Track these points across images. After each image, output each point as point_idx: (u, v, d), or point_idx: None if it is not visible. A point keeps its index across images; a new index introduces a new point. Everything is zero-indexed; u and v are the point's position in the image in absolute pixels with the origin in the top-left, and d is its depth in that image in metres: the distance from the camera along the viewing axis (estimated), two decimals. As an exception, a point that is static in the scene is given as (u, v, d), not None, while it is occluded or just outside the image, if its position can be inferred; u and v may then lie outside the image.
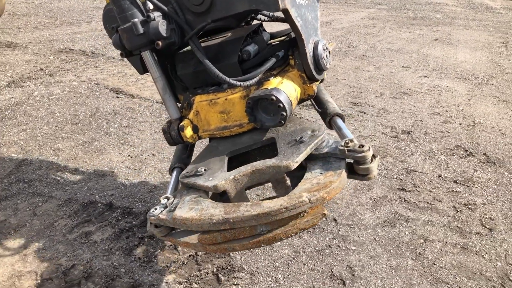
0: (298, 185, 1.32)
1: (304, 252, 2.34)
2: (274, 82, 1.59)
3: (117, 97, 4.44)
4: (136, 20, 1.49)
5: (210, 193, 1.52)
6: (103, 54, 6.06)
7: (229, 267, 2.20)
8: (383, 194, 2.94)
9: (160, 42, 1.53)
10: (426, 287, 2.15)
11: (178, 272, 2.16)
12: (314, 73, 1.69)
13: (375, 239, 2.48)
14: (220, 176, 1.48)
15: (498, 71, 6.80)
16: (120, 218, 2.55)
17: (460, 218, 2.72)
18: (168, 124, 1.72)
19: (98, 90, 4.62)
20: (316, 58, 1.69)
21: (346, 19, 10.85)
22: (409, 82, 5.74)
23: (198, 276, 2.14)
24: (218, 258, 2.27)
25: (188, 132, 1.66)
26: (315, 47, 1.70)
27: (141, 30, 1.50)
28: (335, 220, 2.63)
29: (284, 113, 1.54)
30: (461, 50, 8.24)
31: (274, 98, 1.50)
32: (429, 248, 2.43)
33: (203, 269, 2.18)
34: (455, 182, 3.16)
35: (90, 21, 8.76)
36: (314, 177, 1.36)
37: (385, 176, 3.19)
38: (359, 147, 1.36)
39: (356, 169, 1.40)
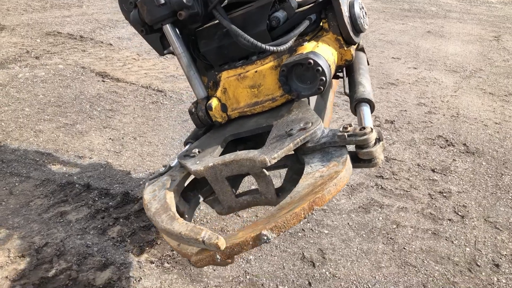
0: (300, 182, 1.23)
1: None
2: (308, 47, 1.47)
3: (103, 81, 4.42)
4: None
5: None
6: (91, 38, 6.02)
7: (201, 248, 2.23)
8: (361, 181, 2.98)
9: (182, 12, 1.44)
10: (394, 270, 2.19)
11: (151, 252, 2.19)
12: (351, 34, 1.54)
13: (348, 223, 2.52)
14: (205, 161, 1.45)
15: (487, 64, 6.83)
16: (96, 199, 2.56)
17: (434, 205, 2.76)
18: (195, 104, 1.62)
19: (83, 73, 4.59)
20: (353, 17, 1.55)
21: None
22: (398, 73, 5.76)
23: (170, 256, 2.17)
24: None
25: (217, 110, 1.56)
26: (351, 6, 1.56)
27: (162, 0, 1.42)
28: (310, 205, 2.66)
29: (324, 78, 1.41)
30: (452, 42, 8.25)
31: (311, 61, 1.38)
32: (400, 233, 2.47)
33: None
34: (433, 171, 3.20)
35: (81, 5, 8.67)
36: (315, 170, 1.26)
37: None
38: (360, 129, 1.27)
39: (360, 155, 1.28)
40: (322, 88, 1.42)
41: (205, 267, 2.10)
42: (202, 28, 1.65)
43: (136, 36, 6.18)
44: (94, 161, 2.97)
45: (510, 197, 2.94)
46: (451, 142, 3.71)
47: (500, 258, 2.33)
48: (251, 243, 1.07)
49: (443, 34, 8.92)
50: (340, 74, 1.85)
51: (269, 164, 1.28)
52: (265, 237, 1.07)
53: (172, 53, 1.68)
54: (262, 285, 2.04)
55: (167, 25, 1.50)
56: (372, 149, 1.24)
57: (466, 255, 2.34)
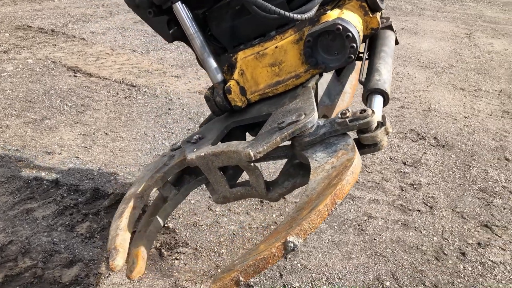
0: (311, 178, 1.14)
1: (250, 228, 2.38)
2: (333, 15, 1.38)
3: (74, 75, 4.32)
4: None
5: None
6: (63, 33, 5.87)
7: (173, 243, 2.21)
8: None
9: None
10: (364, 260, 2.22)
11: (120, 247, 2.15)
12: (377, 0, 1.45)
13: (320, 216, 2.54)
14: (201, 150, 1.42)
15: (459, 60, 7.00)
16: (65, 195, 2.50)
17: (405, 197, 2.81)
18: (211, 90, 1.52)
19: (54, 68, 4.48)
20: None
21: (317, 6, 10.93)
22: (372, 69, 5.85)
23: (140, 251, 2.14)
24: (163, 234, 2.27)
25: (236, 94, 1.46)
26: None
27: None
28: (283, 197, 2.67)
29: (354, 45, 1.31)
30: (426, 39, 8.42)
31: (340, 27, 1.29)
32: (371, 225, 2.51)
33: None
34: (404, 163, 3.26)
35: (53, -1, 8.44)
36: (324, 163, 1.17)
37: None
38: (361, 112, 1.20)
39: (363, 141, 1.23)
40: (352, 56, 1.33)
41: (176, 261, 2.09)
42: (212, 9, 1.55)
43: (110, 31, 6.07)
44: (63, 157, 2.90)
45: (477, 188, 3.03)
46: (422, 136, 3.79)
47: (466, 247, 2.40)
48: (276, 254, 0.97)
49: (417, 31, 9.09)
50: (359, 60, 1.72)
51: (254, 158, 1.24)
52: (292, 244, 0.97)
53: (181, 39, 1.59)
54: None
55: (178, 3, 1.41)
56: (375, 132, 1.19)
57: (434, 244, 2.40)
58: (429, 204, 2.76)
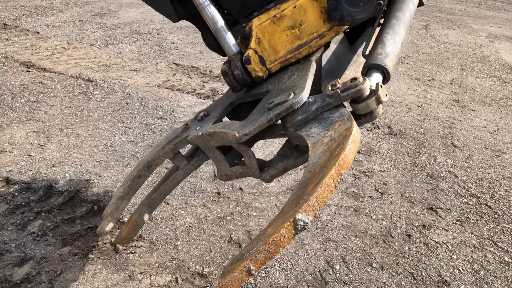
0: (311, 154, 1.10)
1: (206, 219, 2.42)
2: None
3: (28, 71, 4.19)
4: None
5: None
6: (16, 26, 5.65)
7: (128, 237, 2.22)
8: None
9: None
10: (316, 246, 2.31)
11: (74, 244, 2.14)
12: None
13: (276, 205, 2.61)
14: (201, 129, 1.41)
15: (415, 51, 7.26)
16: (16, 194, 2.45)
17: (357, 184, 2.93)
18: (227, 64, 1.43)
19: (6, 63, 4.32)
20: None
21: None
22: (332, 60, 5.97)
23: (95, 247, 2.14)
24: (118, 229, 2.27)
25: (256, 63, 1.37)
26: None
27: None
28: (241, 189, 2.73)
29: None
30: (385, 31, 8.67)
31: None
32: (324, 212, 2.61)
33: (101, 239, 2.18)
34: (358, 152, 3.38)
35: (6, -10, 8.07)
36: (322, 137, 1.14)
37: (295, 148, 3.34)
38: (351, 81, 1.16)
39: (357, 111, 1.19)
40: (382, 3, 1.26)
41: (131, 255, 2.10)
42: None
43: (66, 24, 5.90)
44: (15, 155, 2.83)
45: (425, 173, 3.19)
46: (377, 125, 3.94)
47: (412, 229, 2.54)
48: (287, 235, 0.91)
49: (377, 23, 9.34)
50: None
51: (240, 140, 1.22)
52: (301, 222, 0.92)
53: (187, 18, 1.51)
54: (189, 268, 2.07)
55: None
56: (369, 100, 1.15)
57: (383, 228, 2.52)
58: (380, 190, 2.89)
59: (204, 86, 4.30)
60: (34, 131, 3.13)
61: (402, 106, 4.52)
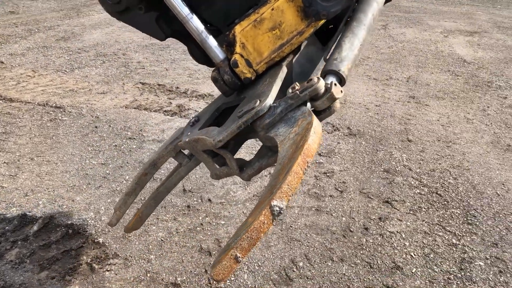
0: (280, 151, 1.22)
1: (177, 232, 2.57)
2: None
3: (-6, 102, 4.24)
4: None
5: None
6: (-21, 58, 5.67)
7: (103, 256, 2.35)
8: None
9: None
10: (281, 246, 2.50)
11: (51, 268, 2.26)
12: None
13: (243, 212, 2.79)
14: (189, 135, 1.53)
15: (374, 52, 7.59)
16: (-8, 225, 2.55)
17: (319, 185, 3.14)
18: (216, 70, 1.50)
19: (-28, 97, 4.36)
20: None
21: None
22: (295, 67, 6.22)
23: (72, 268, 2.26)
24: (93, 249, 2.40)
25: (243, 66, 1.46)
26: None
27: None
28: (209, 200, 2.89)
29: None
30: (345, 34, 9.01)
31: None
32: (289, 214, 2.80)
33: (77, 261, 2.31)
34: (320, 154, 3.60)
35: (-34, 21, 8.02)
36: (288, 134, 1.25)
37: (260, 156, 3.53)
38: (307, 82, 1.28)
39: (316, 108, 1.31)
40: None
41: (107, 273, 2.23)
42: None
43: (30, 51, 5.95)
44: (-12, 187, 2.92)
45: (382, 169, 3.43)
46: (337, 127, 4.17)
47: (369, 222, 2.76)
48: (265, 221, 1.00)
49: (338, 26, 9.69)
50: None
51: (217, 146, 1.34)
52: (277, 208, 1.01)
53: (173, 35, 1.61)
54: (162, 279, 2.22)
55: None
56: (325, 97, 1.26)
57: (342, 224, 2.73)
58: (340, 189, 3.10)
59: (171, 103, 4.45)
60: (4, 162, 3.21)
61: (361, 106, 4.78)
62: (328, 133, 4.04)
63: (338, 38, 1.51)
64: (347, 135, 4.02)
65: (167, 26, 1.57)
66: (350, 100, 4.97)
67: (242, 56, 1.45)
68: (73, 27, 7.58)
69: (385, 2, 1.58)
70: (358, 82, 5.71)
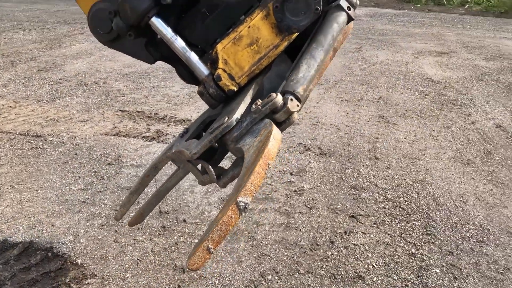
0: (245, 158, 1.37)
1: (153, 252, 2.70)
2: None
3: (-25, 133, 4.35)
4: None
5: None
6: (-39, 89, 5.78)
7: (81, 276, 2.47)
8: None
9: None
10: (252, 261, 2.65)
11: (31, 290, 2.37)
12: None
13: (216, 231, 2.94)
14: (176, 146, 1.70)
15: (347, 74, 7.93)
16: (-27, 251, 2.64)
17: (289, 203, 3.32)
18: (202, 85, 1.63)
19: (-47, 128, 4.46)
20: None
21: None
22: (271, 91, 6.48)
23: (51, 290, 2.37)
24: (72, 270, 2.52)
25: (226, 79, 1.60)
26: None
27: None
28: (184, 220, 3.04)
29: None
30: (321, 57, 9.38)
31: None
32: (259, 231, 2.96)
33: (56, 282, 2.42)
34: (291, 174, 3.80)
35: None
36: (252, 143, 1.41)
37: (234, 177, 3.71)
38: (267, 97, 1.44)
39: (277, 120, 1.46)
40: (319, 8, 1.52)
41: (85, 293, 2.35)
42: (182, 20, 1.69)
43: (12, 83, 6.08)
44: (-31, 216, 3.01)
45: (349, 186, 3.64)
46: (308, 147, 4.39)
47: (335, 236, 2.94)
48: (233, 216, 1.15)
49: (314, 50, 10.08)
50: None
51: (193, 158, 1.51)
52: (243, 203, 1.17)
53: (161, 59, 1.76)
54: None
55: (153, 17, 1.55)
56: (282, 110, 1.43)
57: (310, 238, 2.90)
58: (309, 206, 3.29)
59: (149, 129, 4.62)
60: (-14, 191, 3.32)
61: (332, 127, 5.03)
62: (300, 153, 4.25)
63: (297, 58, 1.66)
64: (318, 155, 4.23)
65: (155, 50, 1.72)
66: (322, 121, 5.22)
67: (224, 71, 1.59)
68: (55, 58, 7.76)
69: (348, 22, 1.71)
70: (331, 104, 5.99)
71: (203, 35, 1.65)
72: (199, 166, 1.73)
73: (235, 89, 1.63)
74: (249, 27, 1.56)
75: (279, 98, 1.43)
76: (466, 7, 32.01)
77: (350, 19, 1.67)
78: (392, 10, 28.61)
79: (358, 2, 1.69)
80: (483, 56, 10.84)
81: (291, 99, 1.48)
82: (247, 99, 1.61)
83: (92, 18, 1.61)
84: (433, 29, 17.10)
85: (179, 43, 1.57)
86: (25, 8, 15.53)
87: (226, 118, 1.50)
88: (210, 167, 1.67)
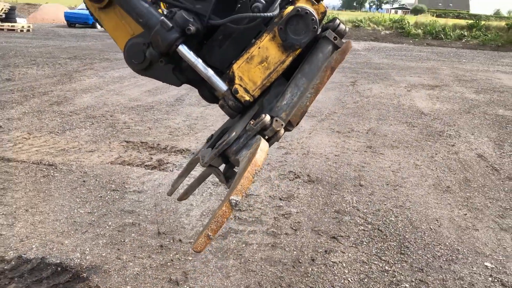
0: (239, 167, 1.67)
1: (150, 267, 3.01)
2: (290, 8, 1.80)
3: (-7, 162, 4.75)
4: (162, 17, 1.74)
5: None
6: (-21, 122, 6.24)
7: (87, 287, 2.78)
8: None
9: (190, 27, 1.73)
10: (239, 276, 2.95)
11: (42, 299, 2.67)
12: None
13: (209, 249, 3.26)
14: (201, 150, 2.10)
15: (341, 107, 8.36)
16: (-9, 266, 2.97)
17: (276, 225, 3.64)
18: (222, 99, 1.89)
19: (-27, 158, 4.87)
20: None
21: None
22: (267, 123, 6.89)
23: (60, 299, 2.68)
24: (78, 283, 2.83)
25: (243, 91, 1.84)
26: None
27: (170, 24, 1.73)
28: (180, 240, 3.36)
29: (314, 18, 1.73)
30: (317, 91, 9.85)
31: (299, 9, 1.72)
32: (248, 250, 3.27)
33: (64, 293, 2.73)
34: (280, 199, 4.13)
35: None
36: (246, 154, 1.72)
37: (228, 202, 4.05)
38: (259, 117, 1.75)
39: (266, 135, 1.76)
40: (316, 27, 1.74)
41: (90, 302, 2.65)
42: (202, 47, 1.96)
43: (26, 116, 6.55)
44: (-13, 235, 3.35)
45: (333, 210, 3.96)
46: (298, 175, 4.74)
47: (316, 255, 3.24)
48: (227, 210, 1.47)
49: (311, 84, 10.58)
50: None
51: (204, 167, 1.90)
52: (234, 201, 1.46)
53: (186, 82, 2.06)
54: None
55: (180, 45, 1.79)
56: (269, 129, 1.75)
57: (293, 256, 3.21)
58: (294, 228, 3.60)
59: (152, 158, 5.01)
60: (3, 214, 3.67)
61: (322, 156, 5.39)
62: (290, 180, 4.60)
63: (286, 86, 1.92)
64: (306, 182, 4.57)
65: (181, 75, 2.05)
66: (313, 151, 5.58)
67: (240, 85, 1.85)
68: (66, 92, 8.28)
69: (334, 50, 1.86)
70: (322, 134, 6.37)
71: (221, 58, 1.92)
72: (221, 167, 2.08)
73: (251, 100, 1.89)
74: (259, 48, 1.81)
75: (267, 118, 1.74)
76: (463, 41, 33.04)
77: (336, 47, 1.86)
78: (390, 44, 29.68)
79: (347, 29, 1.90)
80: (474, 89, 11.30)
81: (276, 120, 1.82)
82: (246, 119, 1.94)
83: (128, 51, 1.91)
84: (428, 63, 17.71)
85: (201, 65, 1.84)
86: (38, 44, 16.40)
87: (227, 136, 1.84)
88: (220, 173, 2.05)
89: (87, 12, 27.71)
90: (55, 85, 8.91)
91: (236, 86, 1.84)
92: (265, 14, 1.75)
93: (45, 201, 3.91)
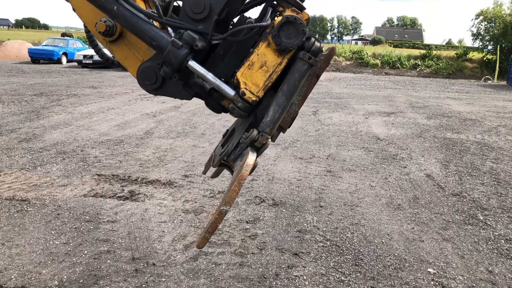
0: (232, 178, 1.93)
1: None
2: (279, 19, 2.00)
3: (-36, 200, 4.82)
4: (173, 38, 1.92)
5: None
6: None
7: (66, 312, 2.96)
8: (193, 239, 4.05)
9: (198, 43, 1.91)
10: (210, 293, 3.23)
11: (24, 325, 2.84)
12: (298, 1, 2.07)
13: (181, 271, 3.51)
14: (216, 149, 2.36)
15: (303, 135, 8.87)
16: (-29, 298, 3.10)
17: (244, 246, 3.95)
18: (231, 103, 2.04)
19: None
20: None
21: (194, 103, 12.49)
22: (234, 152, 7.26)
23: (41, 324, 2.85)
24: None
25: (249, 93, 2.01)
26: None
27: (180, 43, 1.91)
28: (153, 264, 3.60)
29: (302, 23, 1.91)
30: (281, 120, 10.37)
31: (289, 16, 1.91)
32: (217, 269, 3.55)
33: (45, 318, 2.90)
34: (247, 222, 4.46)
35: None
36: (238, 165, 1.96)
37: (198, 227, 4.33)
38: (249, 132, 1.96)
39: (256, 146, 1.97)
40: (304, 29, 1.92)
41: (70, 324, 2.84)
42: (207, 61, 2.13)
43: (-5, 153, 6.62)
44: (-36, 270, 3.47)
45: (296, 230, 4.32)
46: (263, 199, 5.09)
47: (280, 270, 3.56)
48: (218, 218, 1.73)
49: (275, 114, 11.11)
50: None
51: (214, 167, 2.24)
52: (224, 210, 1.72)
53: (196, 95, 2.24)
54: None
55: (190, 61, 1.95)
56: (257, 141, 1.95)
57: (259, 273, 3.51)
58: (260, 247, 3.92)
59: (123, 189, 5.23)
60: (-21, 248, 3.79)
61: (285, 181, 5.79)
62: (256, 204, 4.94)
63: (269, 104, 2.08)
64: (271, 205, 4.93)
65: (190, 89, 2.27)
66: (277, 177, 5.98)
67: (246, 89, 2.02)
68: (34, 129, 8.37)
69: (309, 68, 2.03)
70: (286, 161, 6.80)
71: (225, 69, 2.11)
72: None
73: (257, 100, 2.05)
74: (257, 55, 2.00)
75: (254, 133, 1.97)
76: (418, 70, 35.21)
77: (311, 66, 2.03)
78: (351, 74, 31.25)
79: (322, 46, 2.06)
80: (426, 115, 12.20)
81: (262, 135, 2.08)
82: (242, 131, 2.13)
83: (141, 75, 2.11)
84: (385, 91, 18.86)
85: (210, 76, 2.01)
86: (2, 81, 16.26)
87: (227, 146, 2.14)
88: (228, 169, 2.34)
89: (52, 48, 27.81)
90: (22, 122, 8.97)
91: (242, 89, 2.02)
92: (260, 24, 1.99)
93: (20, 234, 4.05)
